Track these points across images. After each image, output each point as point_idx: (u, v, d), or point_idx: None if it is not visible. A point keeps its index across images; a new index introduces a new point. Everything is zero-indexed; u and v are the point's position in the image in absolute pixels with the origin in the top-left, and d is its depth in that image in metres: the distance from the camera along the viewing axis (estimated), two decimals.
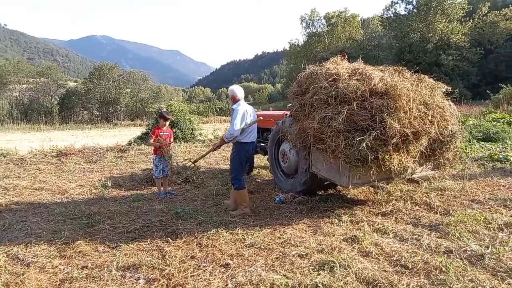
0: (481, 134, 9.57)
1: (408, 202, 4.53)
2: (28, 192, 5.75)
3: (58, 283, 2.77)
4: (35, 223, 4.21)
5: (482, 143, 8.78)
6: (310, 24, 48.19)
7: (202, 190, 5.72)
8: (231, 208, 4.59)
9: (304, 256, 3.08)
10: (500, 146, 8.32)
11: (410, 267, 2.81)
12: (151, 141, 5.36)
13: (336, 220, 4.00)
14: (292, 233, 3.64)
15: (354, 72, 4.29)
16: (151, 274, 2.85)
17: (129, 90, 39.23)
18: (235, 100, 4.50)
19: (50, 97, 36.82)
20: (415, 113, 3.83)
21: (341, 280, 2.61)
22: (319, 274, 2.71)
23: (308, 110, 4.33)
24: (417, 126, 3.80)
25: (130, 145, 11.06)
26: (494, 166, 6.38)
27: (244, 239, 3.50)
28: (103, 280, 2.77)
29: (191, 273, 2.85)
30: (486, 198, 4.56)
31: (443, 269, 2.73)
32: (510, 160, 6.63)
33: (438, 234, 3.48)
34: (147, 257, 3.15)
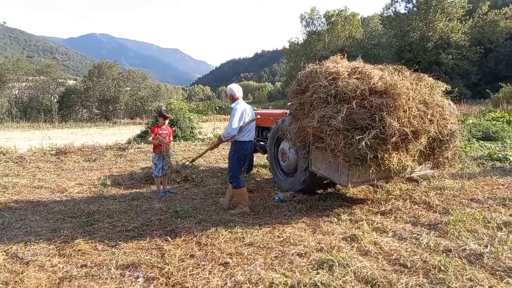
0: (481, 133, 9.57)
1: (407, 201, 4.53)
2: (28, 191, 5.74)
3: (57, 282, 2.77)
4: (34, 221, 4.21)
5: (482, 142, 8.79)
6: (310, 23, 48.20)
7: (201, 188, 5.72)
8: (225, 206, 4.61)
9: (303, 255, 3.08)
10: (500, 145, 8.32)
11: (409, 266, 2.81)
12: (150, 138, 5.36)
13: (335, 219, 4.00)
14: (291, 232, 3.65)
15: (353, 71, 4.29)
16: (150, 273, 2.85)
17: (129, 88, 39.24)
18: (233, 99, 4.50)
19: (50, 95, 36.82)
20: (414, 112, 3.83)
21: (340, 279, 2.61)
22: (318, 273, 2.71)
23: (308, 109, 4.32)
24: (417, 125, 3.80)
25: (130, 143, 11.05)
26: (494, 165, 6.38)
27: (243, 238, 3.50)
28: (102, 279, 2.77)
29: (190, 271, 2.85)
30: (485, 197, 4.56)
31: (442, 268, 2.73)
32: (509, 159, 6.63)
33: (437, 233, 3.48)
34: (146, 255, 3.16)
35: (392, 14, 38.15)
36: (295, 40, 50.22)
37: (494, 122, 11.05)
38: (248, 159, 5.17)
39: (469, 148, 8.02)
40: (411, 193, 4.79)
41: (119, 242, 3.47)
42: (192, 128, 12.68)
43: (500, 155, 6.85)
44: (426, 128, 3.85)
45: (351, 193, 5.11)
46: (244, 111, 4.37)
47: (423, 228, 3.62)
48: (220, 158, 8.51)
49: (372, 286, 2.54)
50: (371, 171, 3.79)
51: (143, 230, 3.83)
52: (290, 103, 4.96)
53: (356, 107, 3.80)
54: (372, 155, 3.62)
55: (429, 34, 33.82)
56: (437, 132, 3.99)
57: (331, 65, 4.46)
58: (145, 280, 2.76)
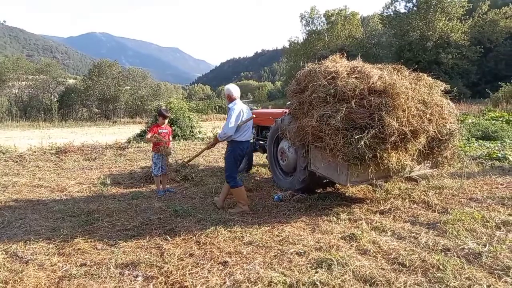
0: (480, 132, 9.57)
1: (406, 200, 4.54)
2: (27, 190, 5.75)
3: (56, 281, 2.77)
4: (34, 220, 4.22)
5: (481, 141, 8.79)
6: (310, 22, 48.22)
7: (201, 188, 5.72)
8: (218, 205, 4.62)
9: (302, 254, 3.09)
10: (499, 144, 8.32)
11: (407, 265, 2.82)
12: (148, 136, 5.36)
13: (334, 218, 4.01)
14: (291, 231, 3.65)
15: (352, 70, 4.29)
16: (150, 272, 2.85)
17: (129, 87, 39.18)
18: (231, 99, 4.50)
19: (50, 94, 36.78)
20: (413, 112, 3.83)
21: (339, 278, 2.62)
22: (317, 272, 2.72)
23: (307, 108, 4.33)
24: (416, 125, 3.80)
25: (129, 142, 11.05)
26: (493, 165, 6.39)
27: (242, 237, 3.51)
28: (101, 278, 2.78)
29: (189, 270, 2.85)
30: (484, 196, 4.57)
31: (441, 267, 2.74)
32: (508, 158, 6.64)
33: (436, 232, 3.49)
34: (146, 254, 3.16)
35: (392, 13, 38.14)
36: (295, 40, 50.31)
37: (493, 122, 11.04)
38: (244, 158, 5.17)
39: (468, 147, 8.02)
40: (410, 193, 4.80)
41: (119, 241, 3.48)
42: (191, 127, 12.68)
43: (499, 155, 6.85)
44: (425, 127, 3.85)
45: (350, 192, 5.11)
46: (241, 111, 4.38)
47: (422, 227, 3.63)
48: (219, 157, 8.51)
49: (370, 285, 2.55)
50: (370, 170, 3.79)
51: (142, 229, 3.84)
52: (289, 102, 4.96)
53: (355, 106, 3.81)
54: (371, 155, 3.63)
55: (429, 33, 33.79)
56: (436, 131, 3.99)
57: (330, 65, 4.47)
58: (144, 279, 2.77)
